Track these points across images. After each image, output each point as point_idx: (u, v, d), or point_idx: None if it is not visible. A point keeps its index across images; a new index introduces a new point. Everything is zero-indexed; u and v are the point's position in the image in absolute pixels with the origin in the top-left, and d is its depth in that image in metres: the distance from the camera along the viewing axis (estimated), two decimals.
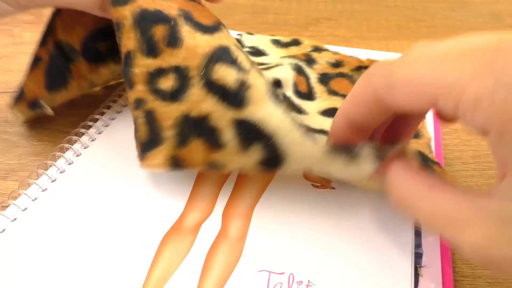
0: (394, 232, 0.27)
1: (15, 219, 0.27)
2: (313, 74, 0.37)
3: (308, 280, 0.24)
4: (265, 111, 0.24)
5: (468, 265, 0.26)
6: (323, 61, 0.39)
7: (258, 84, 0.25)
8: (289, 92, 0.35)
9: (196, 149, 0.26)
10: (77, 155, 0.32)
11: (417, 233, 0.27)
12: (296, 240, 0.26)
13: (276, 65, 0.37)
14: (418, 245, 0.26)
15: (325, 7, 0.54)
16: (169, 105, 0.26)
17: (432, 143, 0.33)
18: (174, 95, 0.26)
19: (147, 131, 0.27)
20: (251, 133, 0.24)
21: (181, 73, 0.26)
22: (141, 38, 0.26)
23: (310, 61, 0.39)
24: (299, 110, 0.34)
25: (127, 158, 0.32)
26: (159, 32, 0.26)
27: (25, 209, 0.28)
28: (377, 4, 0.55)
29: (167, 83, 0.26)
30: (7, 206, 0.28)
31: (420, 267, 0.25)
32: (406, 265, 0.25)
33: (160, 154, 0.27)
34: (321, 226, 0.27)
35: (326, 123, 0.31)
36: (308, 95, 0.36)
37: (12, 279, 0.24)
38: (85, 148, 0.33)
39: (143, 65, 0.27)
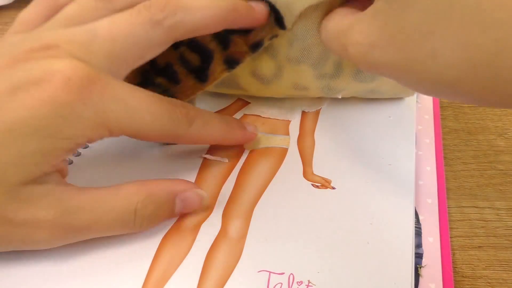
0: (394, 232, 0.26)
1: None
2: None
3: (308, 280, 0.24)
4: None
5: (469, 265, 0.26)
6: None
7: None
8: None
9: (238, 42, 0.30)
10: (77, 155, 0.32)
11: (417, 233, 0.27)
12: (296, 240, 0.26)
13: None
14: (418, 245, 0.26)
15: None
16: None
17: None
18: None
19: (195, 56, 0.30)
20: None
21: None
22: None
23: None
24: None
25: (127, 157, 0.32)
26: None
27: None
28: None
29: None
30: None
31: (420, 267, 0.25)
32: (406, 265, 0.25)
33: (217, 64, 0.30)
34: (321, 226, 0.27)
35: None
36: None
37: (12, 279, 0.24)
38: (85, 148, 0.33)
39: None
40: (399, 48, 0.20)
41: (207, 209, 0.28)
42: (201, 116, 0.28)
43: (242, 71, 0.33)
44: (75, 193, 0.24)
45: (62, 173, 0.25)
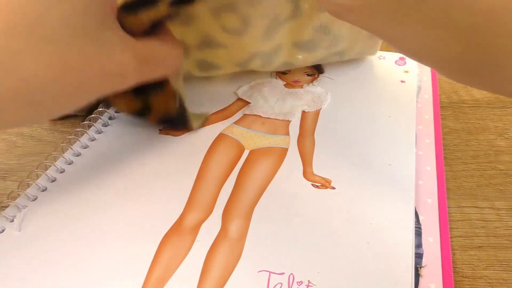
0: (394, 232, 0.26)
1: (14, 219, 0.27)
2: None
3: (308, 280, 0.24)
4: None
5: (469, 265, 0.26)
6: None
7: None
8: None
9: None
10: (77, 155, 0.32)
11: (417, 233, 0.27)
12: (296, 240, 0.26)
13: None
14: (418, 245, 0.26)
15: None
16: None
17: None
18: None
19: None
20: None
21: None
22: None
23: None
24: None
25: (127, 157, 0.32)
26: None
27: (25, 207, 0.28)
28: None
29: None
30: (7, 206, 0.28)
31: (420, 267, 0.25)
32: (406, 265, 0.25)
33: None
34: (321, 226, 0.27)
35: None
36: None
37: (12, 279, 0.24)
38: (85, 148, 0.33)
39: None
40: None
41: (207, 209, 0.28)
42: None
43: (213, 29, 0.34)
44: (139, 41, 0.27)
45: None
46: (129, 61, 0.26)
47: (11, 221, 0.27)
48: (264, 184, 0.30)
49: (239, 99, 0.38)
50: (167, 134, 0.34)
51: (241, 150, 0.33)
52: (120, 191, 0.29)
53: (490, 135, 0.35)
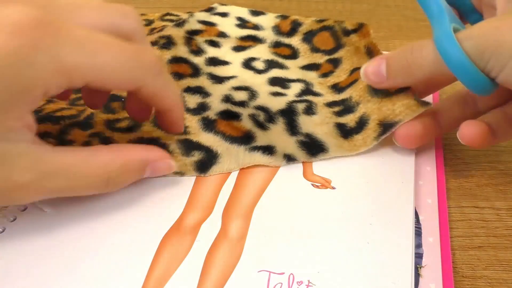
0: (394, 232, 0.26)
1: (14, 219, 0.27)
2: (296, 38, 0.42)
3: (308, 280, 0.24)
4: None
5: (469, 265, 0.26)
6: (308, 21, 0.43)
7: None
8: (267, 57, 0.40)
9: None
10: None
11: (417, 233, 0.27)
12: (296, 240, 0.26)
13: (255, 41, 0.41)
14: (418, 245, 0.26)
15: (325, 7, 0.54)
16: None
17: None
18: None
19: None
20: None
21: None
22: None
23: (296, 25, 0.43)
24: (281, 66, 0.39)
25: None
26: None
27: (25, 209, 0.28)
28: (377, 4, 0.55)
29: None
30: (7, 206, 0.28)
31: (420, 267, 0.25)
32: (406, 265, 0.25)
33: None
34: (321, 226, 0.27)
35: (303, 75, 0.38)
36: (292, 55, 0.40)
37: (12, 279, 0.24)
38: None
39: None
40: None
41: (207, 209, 0.28)
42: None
43: None
44: (50, 155, 0.23)
45: (31, 129, 0.23)
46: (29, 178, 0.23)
47: (11, 221, 0.27)
48: (264, 184, 0.30)
49: None
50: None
51: None
52: (120, 190, 0.29)
53: None
